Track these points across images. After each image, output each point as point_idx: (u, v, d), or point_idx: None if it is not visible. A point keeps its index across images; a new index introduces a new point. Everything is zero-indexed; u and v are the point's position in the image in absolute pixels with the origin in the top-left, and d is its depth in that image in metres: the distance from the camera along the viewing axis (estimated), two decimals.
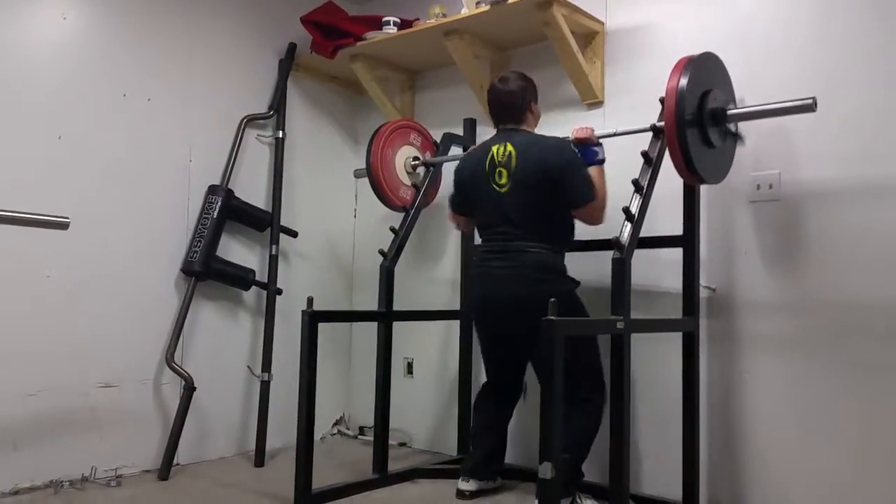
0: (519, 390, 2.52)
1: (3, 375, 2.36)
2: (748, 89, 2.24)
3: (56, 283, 2.50)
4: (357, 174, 3.13)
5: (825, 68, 2.15)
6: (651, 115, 2.13)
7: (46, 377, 2.47)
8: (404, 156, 2.94)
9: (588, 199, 2.23)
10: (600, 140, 2.30)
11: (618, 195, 2.16)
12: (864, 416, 2.02)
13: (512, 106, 2.36)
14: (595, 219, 2.28)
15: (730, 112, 2.06)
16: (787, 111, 1.97)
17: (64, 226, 1.95)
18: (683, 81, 1.93)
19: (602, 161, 2.30)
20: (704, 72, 2.03)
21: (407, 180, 2.94)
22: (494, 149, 2.34)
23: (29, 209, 2.00)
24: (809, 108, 1.91)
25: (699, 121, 1.98)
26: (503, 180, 2.29)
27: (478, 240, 2.51)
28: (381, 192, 2.86)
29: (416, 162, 2.95)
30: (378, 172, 2.84)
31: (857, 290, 2.06)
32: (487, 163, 2.34)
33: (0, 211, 1.88)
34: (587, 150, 2.30)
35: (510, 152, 2.29)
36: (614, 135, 2.29)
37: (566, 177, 2.22)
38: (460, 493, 2.40)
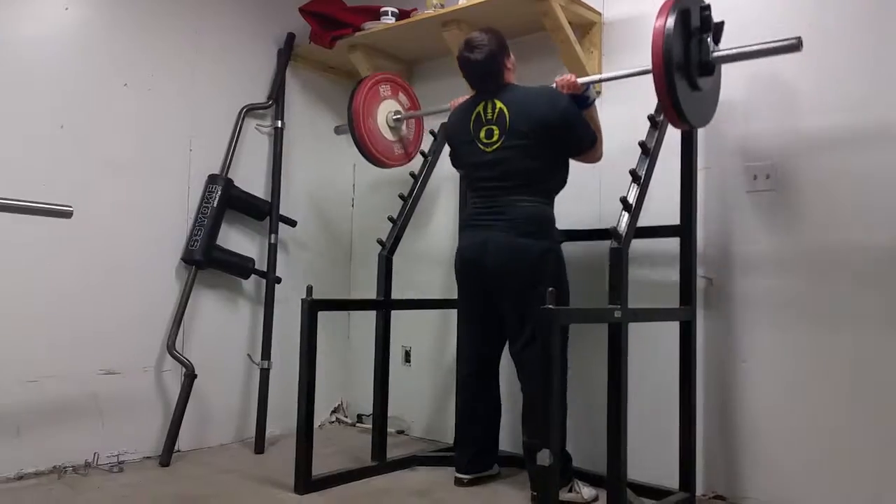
0: (497, 372, 2.48)
1: (7, 362, 2.39)
2: (741, 85, 2.26)
3: (58, 271, 2.52)
4: (338, 130, 3.12)
5: (821, 64, 2.16)
6: (648, 103, 2.14)
7: (49, 364, 2.49)
8: (386, 110, 2.92)
9: (590, 145, 2.28)
10: (586, 85, 2.29)
11: (616, 185, 2.18)
12: (861, 404, 2.05)
13: (488, 74, 2.31)
14: (597, 158, 2.34)
15: (715, 54, 1.99)
16: (772, 51, 1.94)
17: (67, 214, 1.96)
18: (670, 22, 1.87)
19: (593, 101, 2.33)
20: (689, 14, 1.95)
21: (390, 135, 2.93)
22: (480, 107, 2.32)
23: (31, 198, 2.01)
24: (795, 47, 1.88)
25: (685, 64, 1.93)
26: (494, 138, 2.27)
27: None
28: (366, 150, 2.86)
29: (398, 116, 2.94)
30: (370, 148, 2.84)
31: (854, 279, 2.09)
32: (472, 122, 2.33)
33: (5, 200, 1.88)
34: (578, 98, 2.28)
35: (501, 108, 2.27)
36: (599, 80, 2.35)
37: (566, 127, 2.23)
38: (458, 481, 2.43)
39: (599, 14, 2.66)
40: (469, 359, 2.47)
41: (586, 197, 2.61)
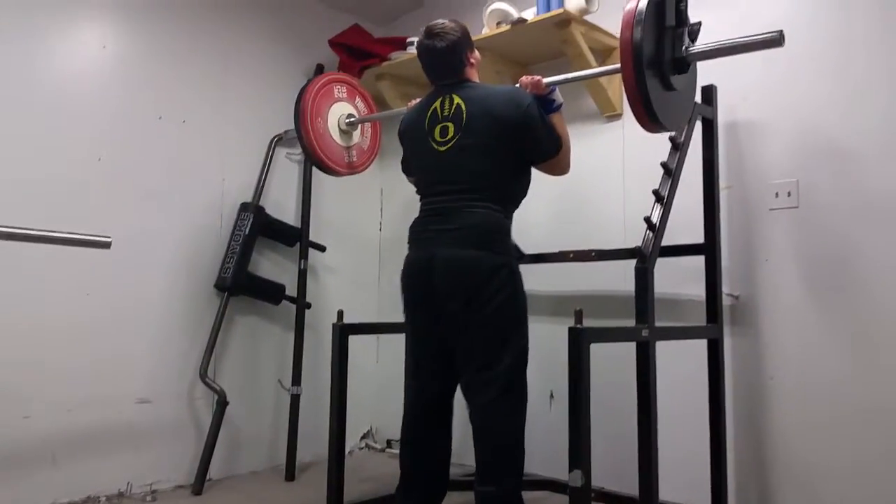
0: (450, 410, 2.15)
1: (44, 391, 2.44)
2: (760, 105, 2.28)
3: (95, 301, 2.59)
4: (293, 158, 2.97)
5: (846, 82, 2.17)
6: None
7: (85, 393, 2.54)
8: (339, 113, 2.77)
9: (554, 151, 2.07)
10: (552, 87, 2.11)
11: (639, 205, 2.20)
12: (890, 434, 2.02)
13: (449, 65, 2.10)
14: (561, 169, 2.13)
15: (690, 51, 1.87)
16: (750, 47, 1.79)
17: (106, 245, 2.01)
18: (641, 9, 1.72)
19: (560, 106, 2.12)
20: (664, 6, 1.82)
21: (340, 140, 2.76)
22: (437, 103, 2.09)
23: (69, 228, 2.07)
24: (775, 41, 1.72)
25: (658, 63, 1.80)
26: (448, 135, 2.04)
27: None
28: (326, 167, 2.72)
29: (351, 119, 2.78)
30: (316, 149, 2.66)
31: (881, 294, 2.07)
32: (428, 118, 2.10)
33: (46, 231, 1.94)
34: (543, 100, 2.08)
35: (458, 104, 2.04)
36: (565, 81, 2.13)
37: (527, 127, 2.01)
38: None
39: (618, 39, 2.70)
40: (413, 403, 2.15)
41: (611, 216, 2.63)
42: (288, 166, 3.25)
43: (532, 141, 2.04)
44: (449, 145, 2.03)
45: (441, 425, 2.16)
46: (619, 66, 1.79)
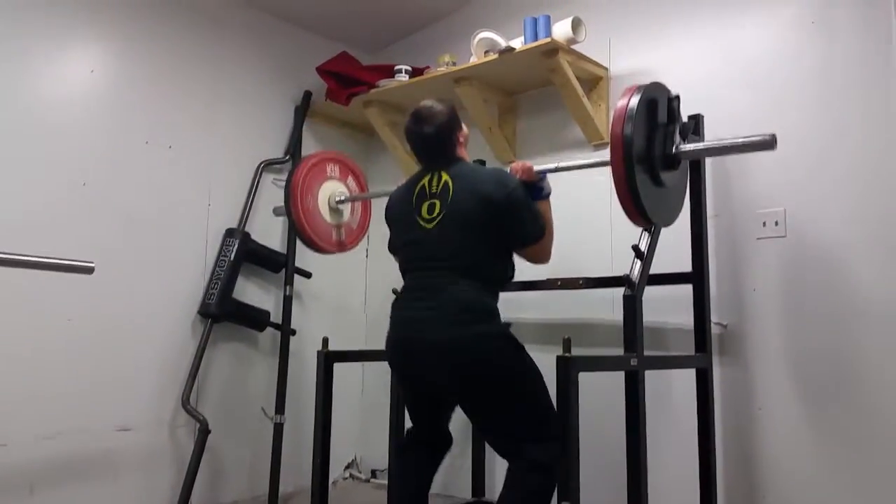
0: (448, 440, 2.17)
1: (23, 418, 2.39)
2: (746, 133, 2.31)
3: (77, 327, 2.55)
4: (276, 212, 2.91)
5: (830, 113, 2.20)
6: None
7: (64, 420, 2.49)
8: (329, 190, 2.75)
9: (536, 237, 2.01)
10: (542, 174, 2.10)
11: (627, 234, 2.20)
12: (881, 451, 2.02)
13: (438, 149, 2.07)
14: (542, 257, 2.07)
15: (682, 149, 1.90)
16: (745, 148, 1.82)
17: (89, 270, 1.98)
18: (632, 106, 1.76)
19: (548, 195, 2.11)
20: (652, 105, 1.87)
21: (329, 218, 2.73)
22: (426, 179, 2.07)
23: (52, 253, 2.03)
24: (768, 144, 1.74)
25: (648, 159, 1.83)
26: (434, 213, 2.00)
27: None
28: (313, 245, 2.70)
29: (342, 199, 2.76)
30: (304, 225, 2.63)
31: (865, 324, 2.08)
32: (416, 195, 2.07)
33: (28, 256, 1.91)
34: (532, 186, 2.07)
35: (446, 181, 2.01)
36: (556, 170, 2.12)
37: (512, 210, 1.96)
38: None
39: (606, 69, 2.74)
40: (416, 422, 2.16)
41: (599, 244, 2.64)
42: (275, 192, 3.24)
43: (517, 223, 1.99)
44: (435, 222, 1.99)
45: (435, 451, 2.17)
46: (608, 159, 1.81)
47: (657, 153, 1.85)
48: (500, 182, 1.99)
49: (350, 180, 2.85)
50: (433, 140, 2.06)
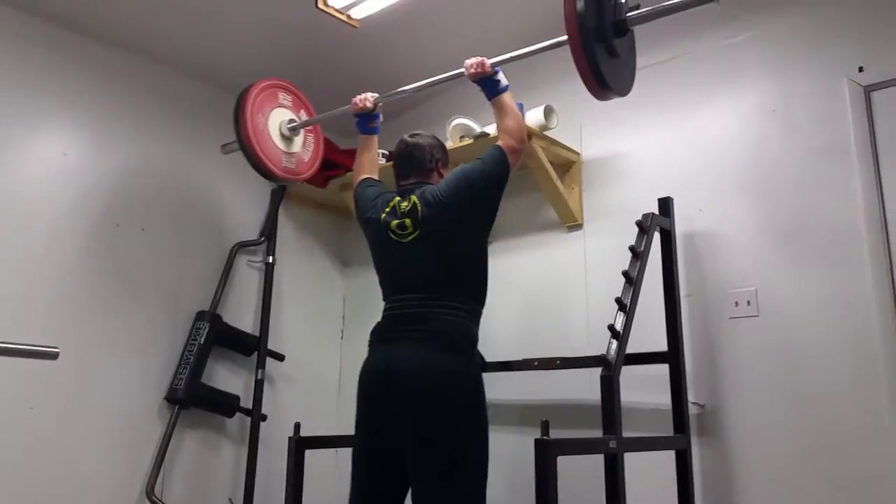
0: None
1: None
2: (715, 216, 2.38)
3: (39, 414, 2.45)
4: (226, 150, 2.81)
5: (798, 197, 2.26)
6: (628, 234, 2.25)
7: None
8: (281, 116, 2.65)
9: (514, 125, 2.11)
10: (496, 68, 2.13)
11: (602, 314, 2.21)
12: None
13: (420, 161, 2.17)
14: (520, 134, 2.13)
15: (629, 15, 1.91)
16: (688, 5, 1.83)
17: (53, 356, 1.91)
18: None
19: (506, 87, 2.14)
20: None
21: (281, 144, 2.63)
22: (395, 200, 2.13)
23: (17, 338, 1.98)
24: None
25: (600, 27, 1.86)
26: (407, 230, 2.06)
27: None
28: (260, 164, 2.55)
29: (292, 125, 2.66)
30: (252, 142, 2.51)
31: (840, 402, 2.08)
32: (386, 212, 2.12)
33: None
34: (488, 82, 2.12)
35: (414, 202, 2.08)
36: (509, 60, 2.11)
37: (477, 161, 2.08)
38: None
39: (578, 154, 2.81)
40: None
41: (574, 323, 2.64)
42: (248, 273, 3.22)
43: (487, 152, 2.10)
44: (408, 239, 2.06)
45: None
46: (565, 38, 1.87)
47: (608, 21, 1.89)
48: (455, 171, 2.10)
49: (303, 113, 2.73)
50: (414, 148, 2.18)
